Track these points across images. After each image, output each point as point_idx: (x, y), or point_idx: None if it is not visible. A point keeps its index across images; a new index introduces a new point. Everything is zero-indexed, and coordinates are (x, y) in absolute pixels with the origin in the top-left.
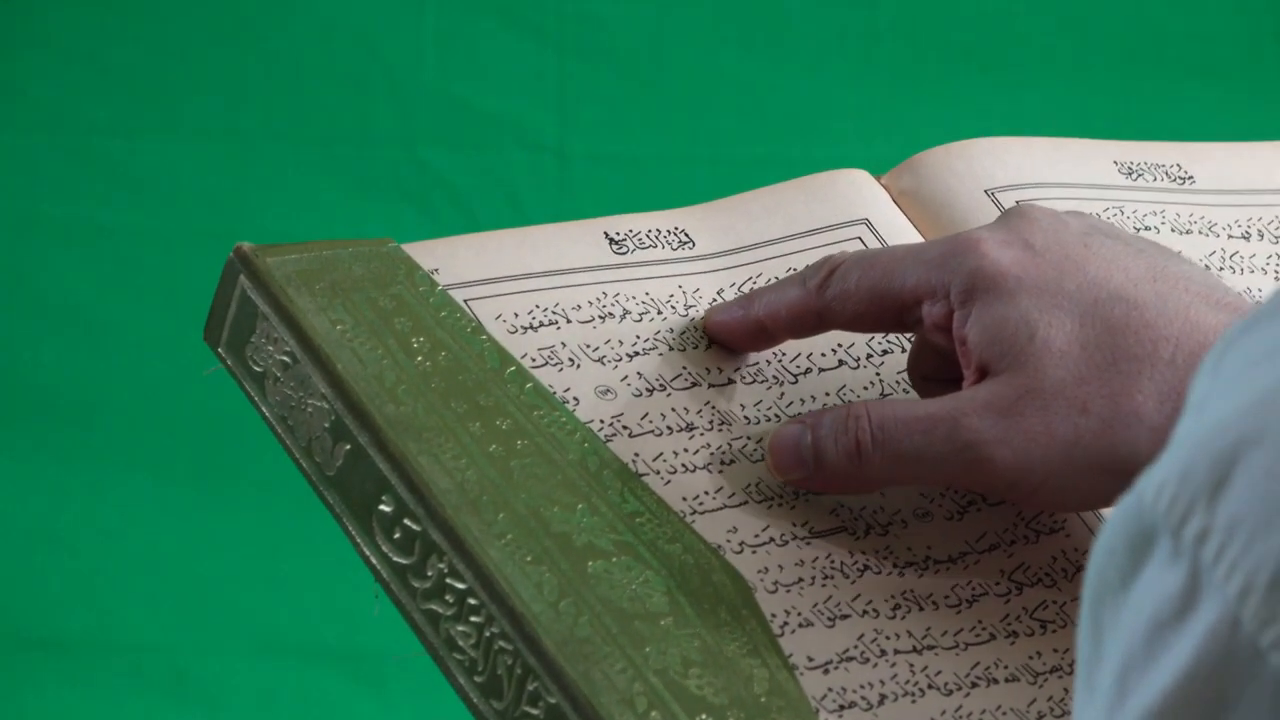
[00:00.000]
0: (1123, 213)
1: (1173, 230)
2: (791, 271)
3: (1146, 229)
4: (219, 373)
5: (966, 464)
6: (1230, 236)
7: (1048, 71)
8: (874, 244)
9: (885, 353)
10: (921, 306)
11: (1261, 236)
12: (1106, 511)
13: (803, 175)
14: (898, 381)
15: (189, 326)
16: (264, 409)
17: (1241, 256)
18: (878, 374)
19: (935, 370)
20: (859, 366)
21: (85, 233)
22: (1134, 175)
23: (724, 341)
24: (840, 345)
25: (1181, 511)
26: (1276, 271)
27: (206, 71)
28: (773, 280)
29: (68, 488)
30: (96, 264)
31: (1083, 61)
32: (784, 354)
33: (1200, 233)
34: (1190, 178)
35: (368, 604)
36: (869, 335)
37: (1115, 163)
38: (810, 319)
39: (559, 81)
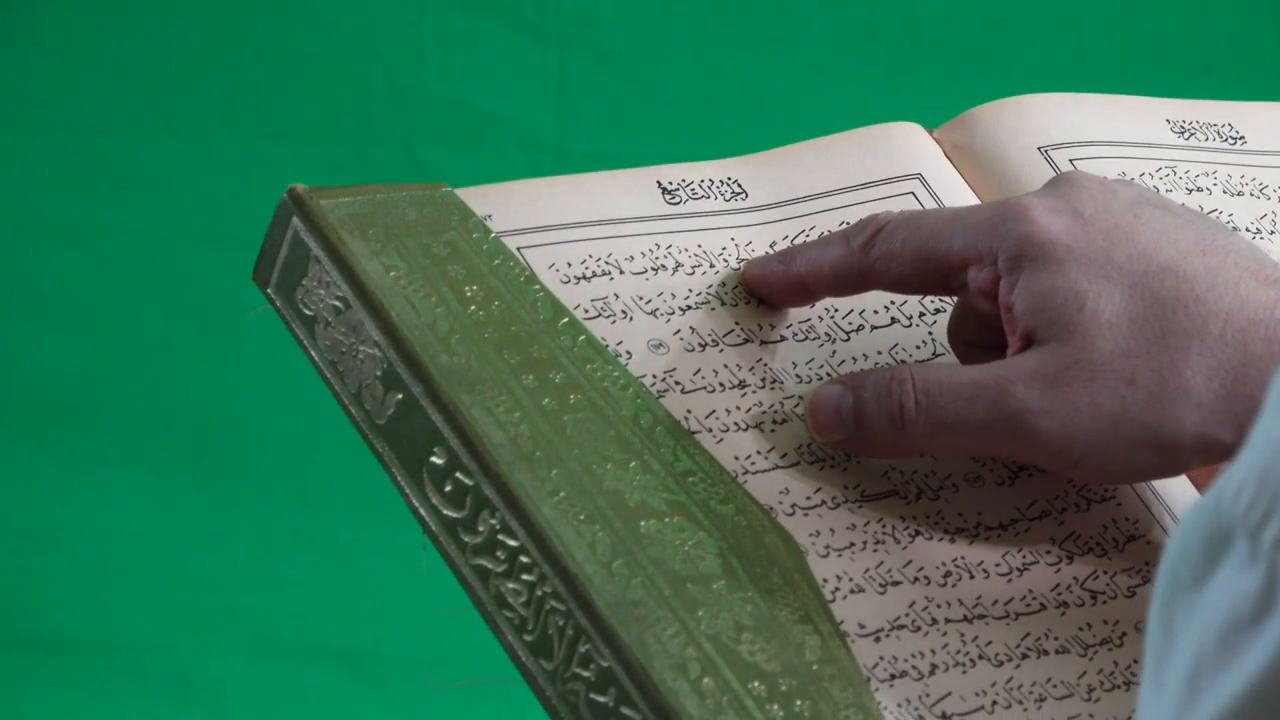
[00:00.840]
0: (1175, 173)
1: (1224, 191)
2: (845, 225)
3: (1198, 190)
4: (220, 363)
5: (1011, 433)
6: None
7: (1048, 71)
8: (927, 199)
9: (939, 311)
10: (967, 271)
11: None
12: (1160, 484)
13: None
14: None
15: (189, 326)
16: (313, 353)
17: None
18: (930, 333)
19: (977, 336)
20: (911, 325)
21: (85, 233)
22: (1186, 134)
23: (763, 295)
24: (893, 303)
25: (1261, 514)
26: None
27: (206, 71)
28: (827, 234)
29: (68, 488)
30: (96, 264)
31: (1083, 62)
32: (836, 310)
33: (1251, 194)
34: (1242, 138)
35: (368, 604)
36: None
37: (1168, 121)
38: (853, 278)
39: (559, 81)
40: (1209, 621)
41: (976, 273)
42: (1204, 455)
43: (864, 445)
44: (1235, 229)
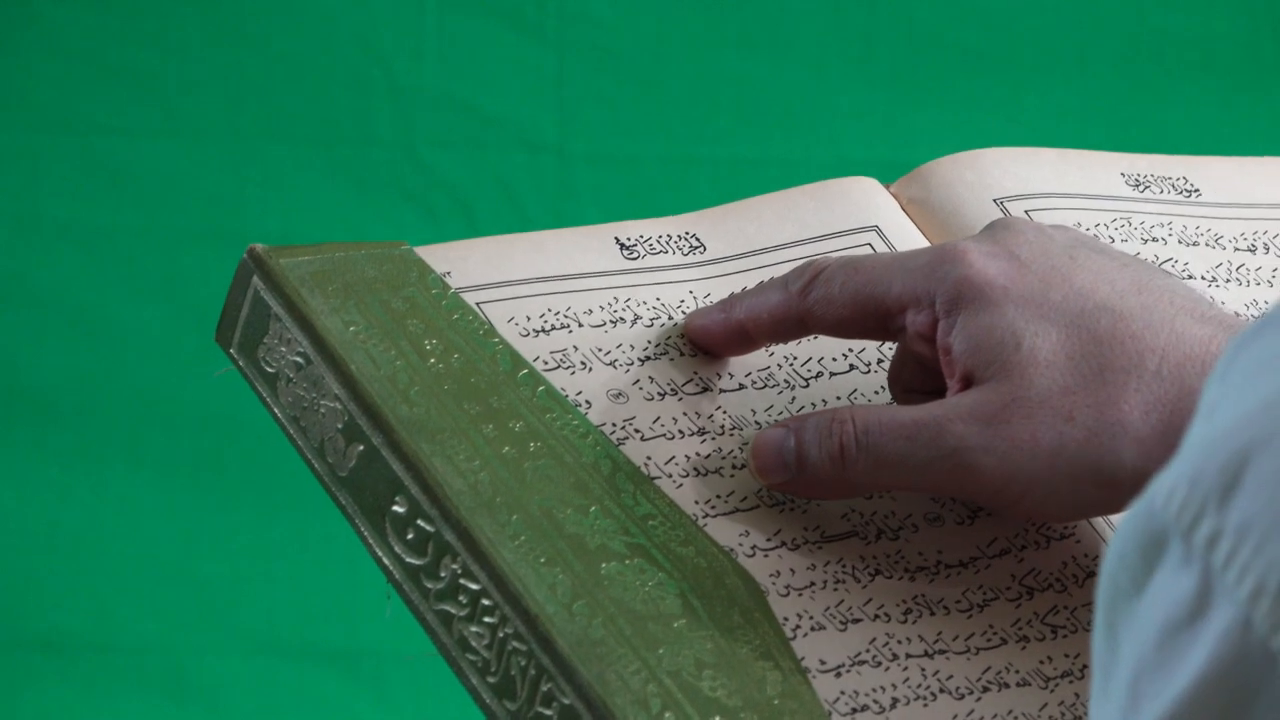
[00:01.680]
0: (1130, 223)
1: (1180, 242)
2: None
3: (1154, 240)
4: (225, 374)
5: (950, 470)
6: (1236, 249)
7: (1048, 72)
8: (884, 250)
9: None
10: (905, 315)
11: (1268, 250)
12: (1116, 518)
13: (804, 176)
14: None
15: (189, 326)
16: (276, 410)
17: (1248, 269)
18: (889, 380)
19: (917, 382)
20: (869, 371)
21: (85, 233)
22: (1141, 187)
23: (704, 345)
24: (851, 350)
25: (1192, 515)
26: None
27: (206, 71)
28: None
29: (68, 488)
30: (96, 264)
31: (1083, 62)
32: (795, 358)
33: (1207, 245)
34: (1196, 190)
35: (368, 604)
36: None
37: (1122, 174)
38: (792, 323)
39: (559, 81)
40: (1148, 626)
41: (914, 315)
42: (1144, 489)
43: (806, 486)
44: (1190, 277)
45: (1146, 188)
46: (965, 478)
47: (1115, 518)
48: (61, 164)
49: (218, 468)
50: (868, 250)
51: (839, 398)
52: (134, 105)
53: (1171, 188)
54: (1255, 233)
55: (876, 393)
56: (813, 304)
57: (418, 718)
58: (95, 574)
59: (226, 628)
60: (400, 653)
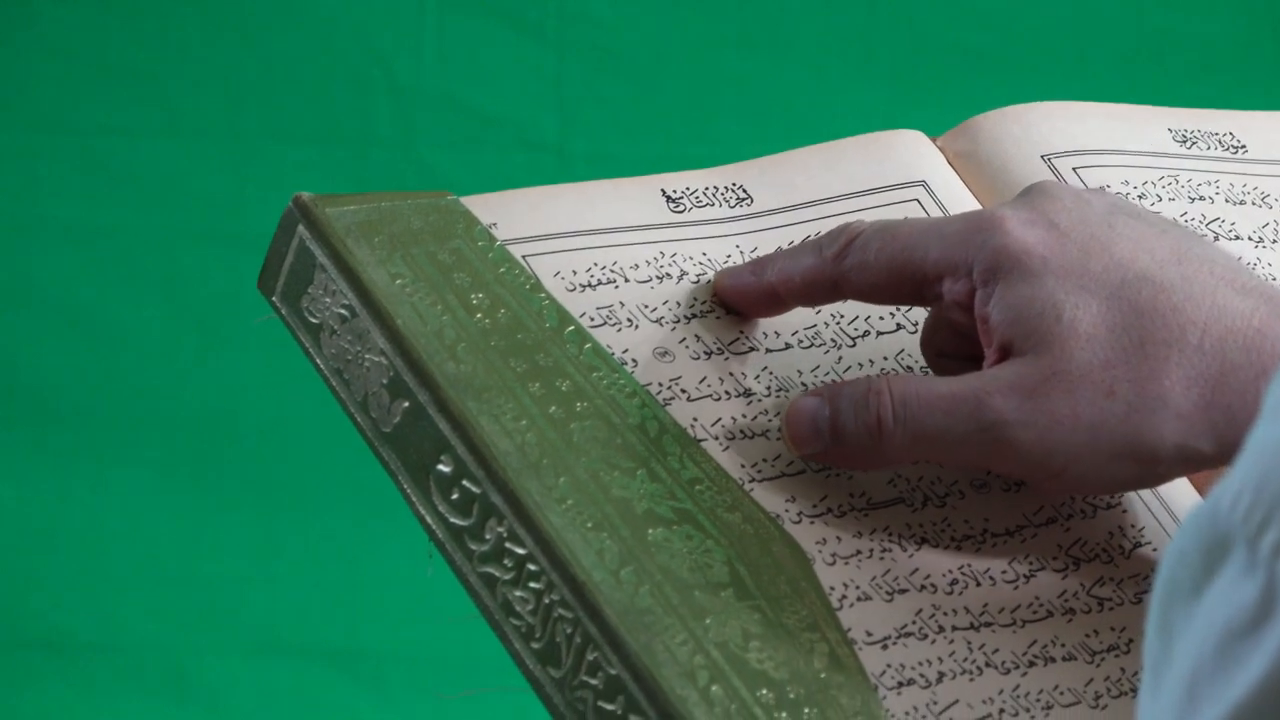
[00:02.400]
0: (1177, 181)
1: (1226, 200)
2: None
3: (1201, 198)
4: (220, 364)
5: (989, 444)
6: None
7: (1048, 71)
8: (932, 206)
9: None
10: (942, 283)
11: None
12: (1165, 490)
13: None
14: None
15: (189, 326)
16: (318, 361)
17: None
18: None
19: (951, 347)
20: (916, 330)
21: (85, 233)
22: (1188, 144)
23: (734, 305)
24: (899, 310)
25: (1258, 522)
26: None
27: (206, 71)
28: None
29: (68, 488)
30: (96, 264)
31: (1083, 61)
32: (842, 316)
33: (1254, 204)
34: (1244, 146)
35: (368, 604)
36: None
37: (1170, 130)
38: (825, 287)
39: (559, 81)
40: (1207, 629)
41: (951, 284)
42: (1184, 465)
43: (841, 458)
44: (1237, 238)
45: (1194, 143)
46: (1004, 452)
47: (1166, 495)
48: (61, 164)
49: (218, 468)
50: (915, 206)
51: (885, 358)
52: (134, 105)
53: (1218, 143)
54: None
55: None
56: (847, 269)
57: (418, 718)
58: (95, 574)
59: (226, 628)
60: (400, 653)
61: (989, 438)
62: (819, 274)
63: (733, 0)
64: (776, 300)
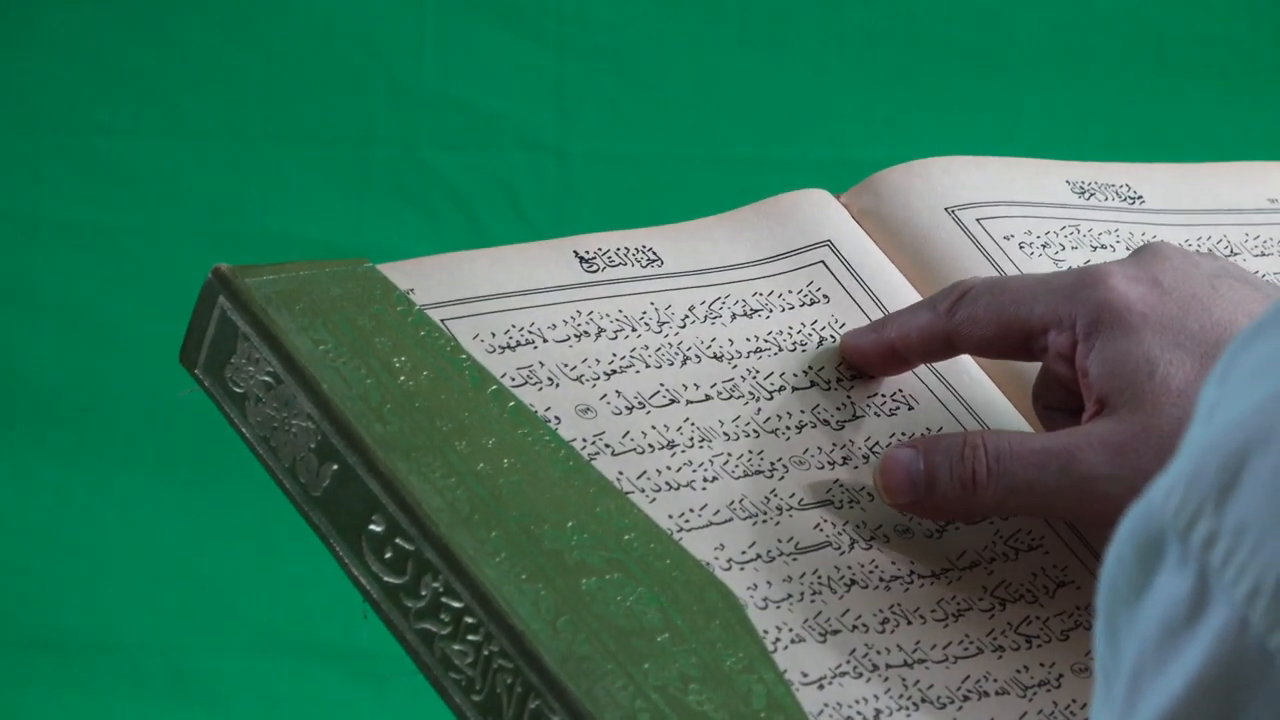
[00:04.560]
0: (1078, 230)
1: (1127, 248)
2: (758, 296)
3: (1103, 246)
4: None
5: (1080, 499)
6: None
7: (1048, 72)
8: (837, 264)
9: (855, 377)
10: (1048, 335)
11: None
12: (1086, 531)
13: (804, 176)
14: (869, 404)
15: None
16: (244, 430)
17: None
18: (848, 396)
19: (1058, 401)
20: (830, 387)
21: (85, 233)
22: (1086, 195)
23: (859, 365)
24: (811, 368)
25: (1189, 516)
26: None
27: (206, 71)
28: (741, 302)
29: (68, 488)
30: (96, 264)
31: (1082, 62)
32: (758, 371)
33: None
34: (1140, 197)
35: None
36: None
37: (1068, 182)
38: (940, 342)
39: (559, 81)
40: (1147, 627)
41: (1056, 336)
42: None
43: (932, 509)
44: None
45: (1091, 195)
46: (1094, 506)
47: (1088, 534)
48: (61, 164)
49: (218, 468)
50: (821, 268)
51: (803, 410)
52: (134, 105)
53: (1115, 194)
54: (1198, 238)
55: (838, 410)
56: (959, 323)
57: (418, 718)
58: (95, 574)
59: (226, 628)
60: (400, 653)
61: (1080, 493)
62: (933, 329)
63: (733, 0)
64: (898, 358)
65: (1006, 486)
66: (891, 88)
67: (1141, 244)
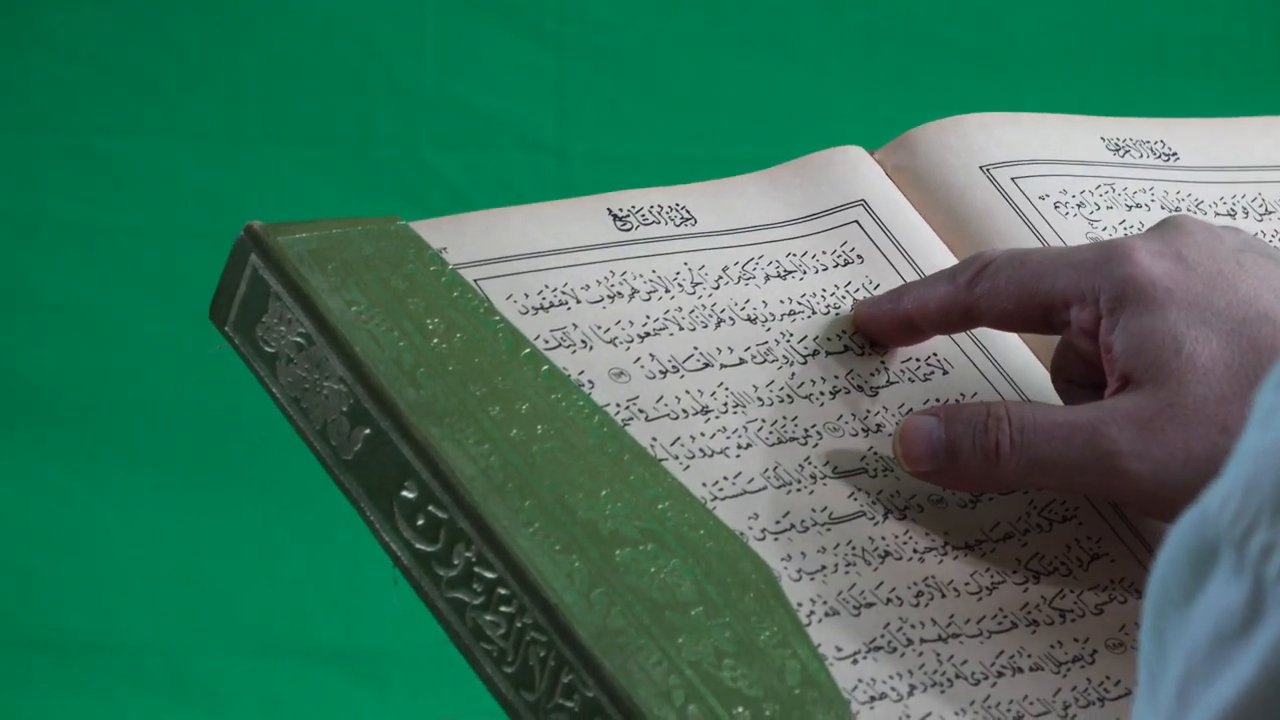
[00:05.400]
0: (1113, 189)
1: (1162, 207)
2: (791, 257)
3: (1137, 206)
4: (221, 369)
5: (1103, 474)
6: (1217, 214)
7: (1047, 71)
8: (870, 224)
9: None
10: (1070, 310)
11: (1246, 214)
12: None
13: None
14: (904, 369)
15: (189, 326)
16: (274, 390)
17: None
18: (883, 361)
19: (1078, 375)
20: (865, 351)
21: (85, 233)
22: (1121, 152)
23: (873, 335)
24: (845, 332)
25: (1246, 525)
26: None
27: (206, 71)
28: (775, 263)
29: (68, 488)
30: (96, 264)
31: (1082, 61)
32: (791, 335)
33: (1188, 210)
34: (1174, 154)
35: (368, 604)
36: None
37: (1103, 139)
38: (958, 314)
39: (559, 81)
40: (1198, 634)
41: (1079, 311)
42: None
43: (953, 478)
44: None
45: (1126, 152)
46: (1117, 483)
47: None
48: (61, 164)
49: (218, 468)
50: (855, 227)
51: (836, 376)
52: (134, 105)
53: (1150, 151)
54: (1234, 196)
55: (873, 373)
56: (979, 296)
57: (418, 717)
58: (95, 574)
59: (226, 628)
60: (400, 653)
61: (1103, 467)
62: (952, 301)
63: (733, 0)
64: (914, 329)
65: (1030, 459)
66: (891, 88)
67: (1175, 208)
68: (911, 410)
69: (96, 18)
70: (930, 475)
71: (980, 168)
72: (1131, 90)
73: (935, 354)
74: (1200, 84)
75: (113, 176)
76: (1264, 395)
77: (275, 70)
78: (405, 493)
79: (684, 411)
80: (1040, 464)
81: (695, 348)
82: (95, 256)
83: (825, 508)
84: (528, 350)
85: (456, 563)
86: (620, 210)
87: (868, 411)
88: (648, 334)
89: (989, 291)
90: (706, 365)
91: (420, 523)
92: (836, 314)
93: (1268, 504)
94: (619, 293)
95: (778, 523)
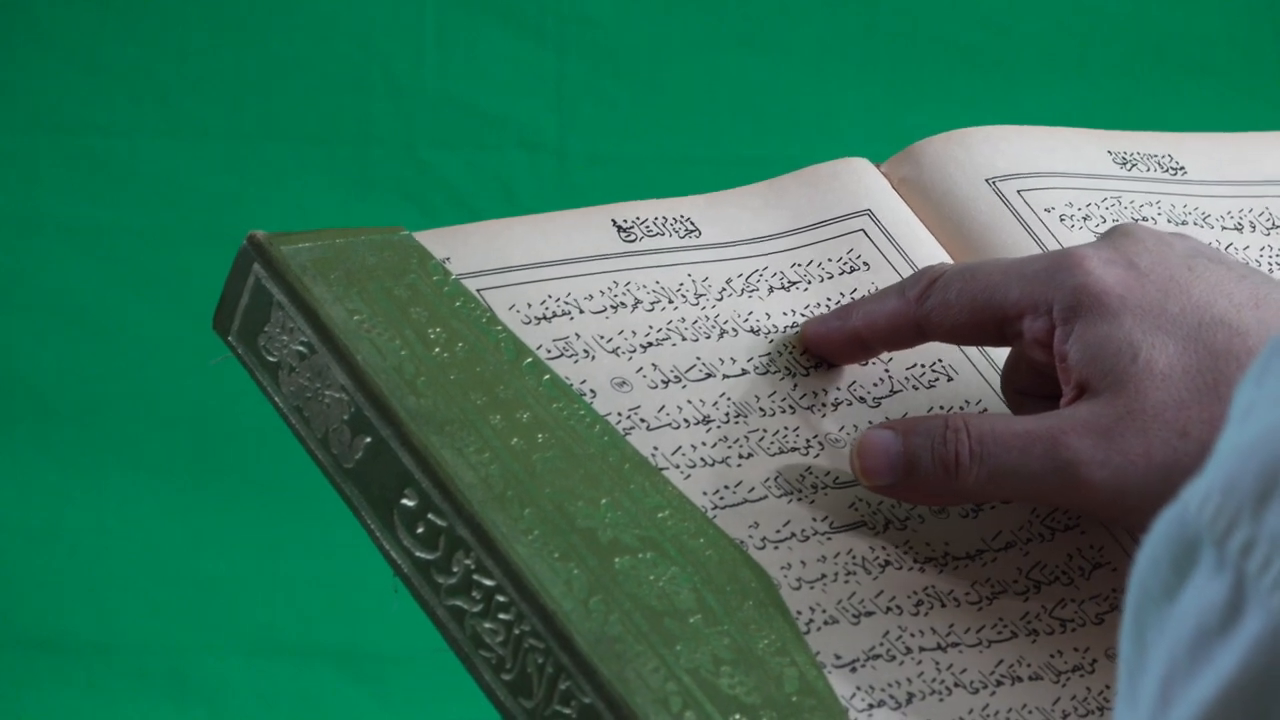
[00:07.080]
0: (1120, 203)
1: (1169, 221)
2: (796, 268)
3: (1144, 219)
4: (221, 369)
5: (1063, 483)
6: (1224, 228)
7: (1047, 71)
8: (877, 234)
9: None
10: (1023, 321)
11: (1254, 228)
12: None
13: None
14: (908, 377)
15: (189, 326)
16: (277, 399)
17: (1235, 249)
18: (886, 370)
19: (1031, 386)
20: (865, 363)
21: (85, 233)
22: (1128, 165)
23: (822, 353)
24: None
25: (1226, 523)
26: (1269, 263)
27: (206, 71)
28: (779, 274)
29: (68, 488)
30: (96, 264)
31: (1082, 61)
32: (794, 346)
33: (1195, 224)
34: (1182, 168)
35: (368, 604)
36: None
37: (1109, 152)
38: (909, 329)
39: (559, 81)
40: (1179, 632)
41: (1032, 322)
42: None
43: (912, 492)
44: None
45: (1133, 165)
46: (1077, 491)
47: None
48: (61, 164)
49: (218, 468)
50: (861, 236)
51: (838, 387)
52: (134, 105)
53: (1157, 165)
54: (1241, 210)
55: (876, 383)
56: (930, 310)
57: (418, 718)
58: (95, 574)
59: (226, 628)
60: (400, 653)
61: (1064, 477)
62: (902, 316)
63: (733, 0)
64: (863, 345)
65: (989, 470)
66: (891, 88)
67: (1181, 222)
68: None
69: (96, 18)
70: (889, 490)
71: (986, 180)
72: (1131, 90)
73: (940, 360)
74: (1200, 84)
75: (113, 176)
76: (1241, 392)
77: (275, 70)
78: (405, 501)
79: (685, 421)
80: (1000, 475)
81: (698, 358)
82: (95, 256)
83: (826, 517)
84: (529, 360)
85: (456, 570)
86: (624, 222)
87: (869, 422)
88: (650, 344)
89: (940, 305)
90: (709, 376)
91: (420, 531)
92: None
93: (1247, 500)
94: (622, 303)
95: (778, 531)
